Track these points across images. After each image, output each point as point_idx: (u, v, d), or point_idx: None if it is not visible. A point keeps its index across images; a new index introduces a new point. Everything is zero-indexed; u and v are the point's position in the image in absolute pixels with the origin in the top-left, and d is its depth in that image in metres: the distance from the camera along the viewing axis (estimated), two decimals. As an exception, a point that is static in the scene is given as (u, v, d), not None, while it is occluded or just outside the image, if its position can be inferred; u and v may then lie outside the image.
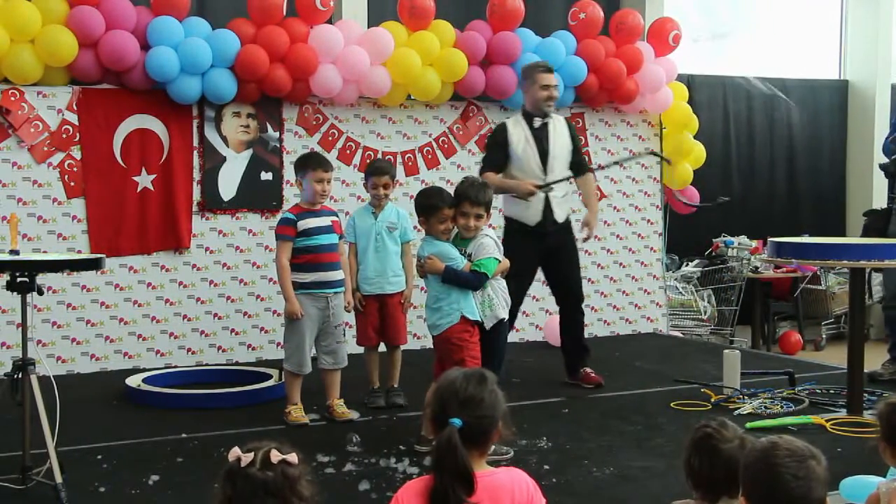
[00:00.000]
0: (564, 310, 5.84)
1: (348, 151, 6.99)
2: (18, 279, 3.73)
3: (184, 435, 4.73)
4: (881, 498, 2.44)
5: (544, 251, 5.66)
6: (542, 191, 5.53)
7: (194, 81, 6.24)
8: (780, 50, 9.83)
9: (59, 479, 3.71)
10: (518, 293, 5.37)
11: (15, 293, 3.76)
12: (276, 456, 1.88)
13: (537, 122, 5.55)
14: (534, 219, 5.63)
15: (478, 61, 6.94)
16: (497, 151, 5.51)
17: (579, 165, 5.72)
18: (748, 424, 4.59)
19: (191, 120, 6.48)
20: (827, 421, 4.80)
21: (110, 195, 6.28)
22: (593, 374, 5.78)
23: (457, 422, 2.18)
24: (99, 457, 4.38)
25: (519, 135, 5.53)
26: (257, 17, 6.31)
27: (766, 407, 5.17)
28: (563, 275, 5.78)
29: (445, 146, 7.30)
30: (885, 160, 6.03)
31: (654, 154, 7.36)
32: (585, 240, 5.94)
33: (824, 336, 8.65)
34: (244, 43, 6.25)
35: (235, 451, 1.89)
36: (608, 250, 7.66)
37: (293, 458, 1.90)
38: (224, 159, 6.65)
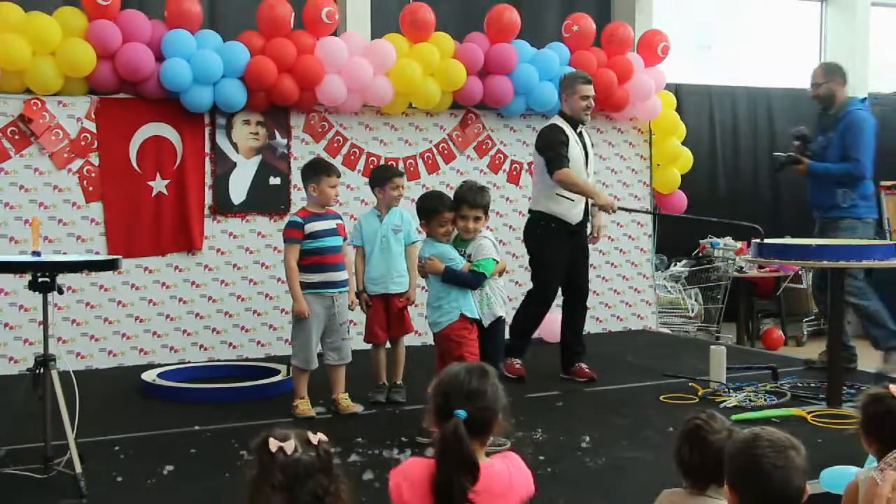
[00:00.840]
0: (572, 303, 5.85)
1: (352, 157, 7.05)
2: (40, 279, 3.75)
3: (196, 427, 4.71)
4: (860, 486, 2.44)
5: (575, 248, 5.73)
6: (618, 210, 5.81)
7: (206, 91, 6.31)
8: (763, 60, 9.91)
9: (78, 468, 3.71)
10: (556, 285, 5.67)
11: (36, 292, 3.79)
12: (313, 437, 1.92)
13: (578, 129, 5.64)
14: (577, 218, 5.67)
15: (476, 71, 7.02)
16: (564, 149, 5.48)
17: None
18: (733, 417, 4.59)
19: (203, 127, 6.54)
20: (808, 413, 4.79)
21: (126, 199, 6.36)
22: (587, 369, 5.78)
23: (461, 413, 2.17)
24: (116, 448, 4.37)
25: (571, 136, 5.59)
26: (266, 29, 6.41)
27: (750, 400, 5.17)
28: (583, 270, 5.84)
29: (445, 152, 7.36)
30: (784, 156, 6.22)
31: (650, 213, 7.61)
32: (595, 241, 6.04)
33: (805, 332, 8.65)
34: (253, 54, 6.34)
35: (275, 443, 1.88)
36: (600, 251, 7.66)
37: (322, 436, 1.93)
38: (234, 165, 6.70)
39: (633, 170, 7.98)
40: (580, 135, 5.65)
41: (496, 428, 2.29)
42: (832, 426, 4.57)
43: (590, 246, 5.96)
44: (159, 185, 6.51)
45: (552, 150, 5.50)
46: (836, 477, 3.10)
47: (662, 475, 2.80)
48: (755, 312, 8.67)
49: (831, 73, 5.92)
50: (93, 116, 6.27)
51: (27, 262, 3.86)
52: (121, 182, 6.33)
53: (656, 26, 8.36)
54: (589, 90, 5.64)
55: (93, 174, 6.29)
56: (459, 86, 6.91)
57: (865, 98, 6.60)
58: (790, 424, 4.42)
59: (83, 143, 6.29)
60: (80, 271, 5.12)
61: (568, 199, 5.56)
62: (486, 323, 4.49)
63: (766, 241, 5.27)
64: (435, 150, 7.32)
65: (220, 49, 6.28)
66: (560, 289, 5.83)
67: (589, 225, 5.86)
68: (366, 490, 3.68)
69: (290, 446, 1.87)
